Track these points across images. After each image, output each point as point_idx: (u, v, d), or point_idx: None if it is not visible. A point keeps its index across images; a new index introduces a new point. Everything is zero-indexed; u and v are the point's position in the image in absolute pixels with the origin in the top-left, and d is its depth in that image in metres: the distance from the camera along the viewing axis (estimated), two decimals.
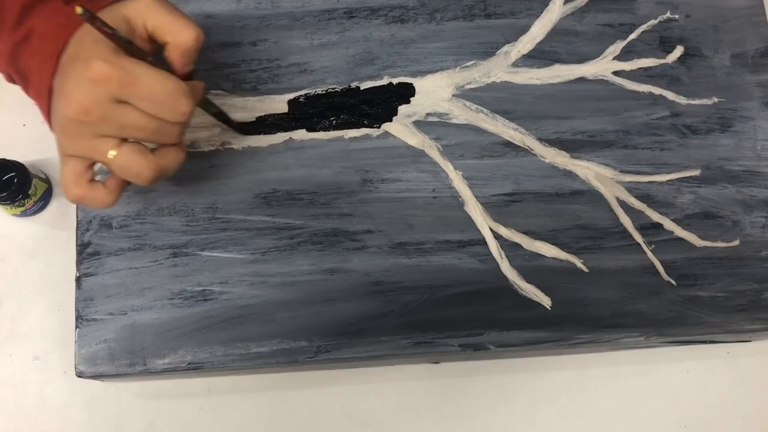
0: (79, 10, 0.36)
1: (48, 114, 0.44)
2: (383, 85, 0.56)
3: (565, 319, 0.53)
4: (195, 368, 0.51)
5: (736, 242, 0.55)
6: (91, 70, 0.38)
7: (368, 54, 0.56)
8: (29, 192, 0.55)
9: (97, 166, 0.44)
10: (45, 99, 0.43)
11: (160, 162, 0.43)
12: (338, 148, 0.55)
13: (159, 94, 0.40)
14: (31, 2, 0.44)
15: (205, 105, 0.49)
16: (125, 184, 0.45)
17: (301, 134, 0.55)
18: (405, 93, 0.56)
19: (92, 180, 0.43)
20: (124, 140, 0.41)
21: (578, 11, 0.58)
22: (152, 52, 0.42)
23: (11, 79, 0.48)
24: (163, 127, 0.41)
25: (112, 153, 0.41)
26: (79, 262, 0.53)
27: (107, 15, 0.41)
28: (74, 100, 0.39)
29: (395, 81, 0.56)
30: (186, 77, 0.43)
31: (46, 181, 0.58)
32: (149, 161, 0.42)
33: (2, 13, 0.44)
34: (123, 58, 0.39)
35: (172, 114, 0.41)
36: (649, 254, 0.54)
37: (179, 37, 0.42)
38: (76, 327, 0.52)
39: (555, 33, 0.57)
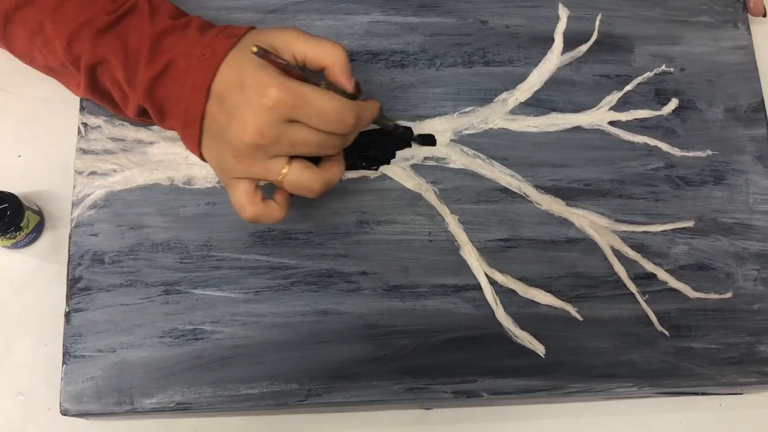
0: (254, 49, 0.41)
1: (196, 142, 0.46)
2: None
3: (558, 368, 0.53)
4: (183, 409, 0.51)
5: (729, 294, 0.55)
6: (266, 96, 0.42)
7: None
8: (21, 224, 0.55)
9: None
10: (195, 129, 0.45)
11: (327, 175, 0.46)
12: (335, 189, 0.55)
13: (328, 111, 0.43)
14: (159, 36, 0.46)
15: (381, 121, 0.52)
16: (290, 198, 0.48)
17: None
18: (404, 137, 0.56)
19: (264, 198, 0.47)
20: (292, 158, 0.45)
21: (575, 61, 0.59)
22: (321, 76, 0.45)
23: (138, 114, 0.49)
24: (328, 140, 0.45)
25: (284, 171, 0.44)
26: (69, 297, 0.52)
27: (249, 45, 0.43)
28: (250, 125, 0.42)
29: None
30: (356, 91, 0.47)
31: (39, 213, 0.58)
32: (318, 175, 0.46)
33: (133, 51, 0.46)
34: (293, 82, 0.43)
35: (338, 127, 0.44)
36: (643, 304, 0.54)
37: (334, 59, 0.45)
38: (63, 363, 0.51)
39: (552, 82, 0.58)
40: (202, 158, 0.47)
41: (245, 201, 0.46)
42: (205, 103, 0.44)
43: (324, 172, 0.46)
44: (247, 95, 0.42)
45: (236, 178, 0.45)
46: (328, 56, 0.45)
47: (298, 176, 0.45)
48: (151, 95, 0.46)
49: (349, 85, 0.46)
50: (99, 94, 0.50)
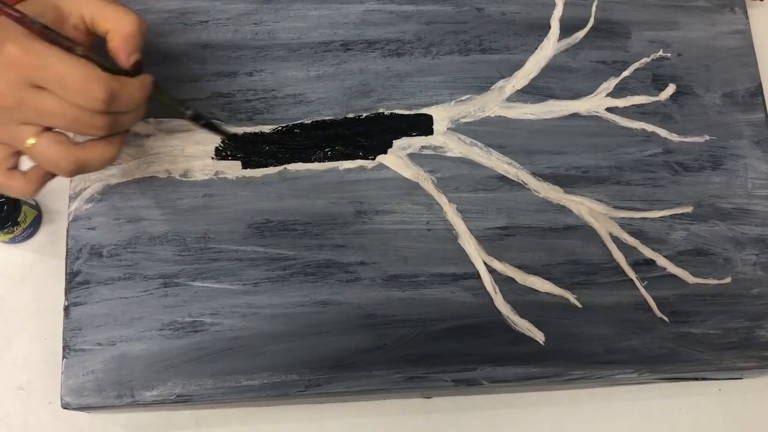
0: None
1: None
2: (379, 117, 0.56)
3: (558, 355, 0.53)
4: (184, 401, 0.51)
5: (728, 279, 0.55)
6: (3, 53, 0.38)
7: (364, 86, 0.57)
8: (18, 219, 0.55)
9: None
10: None
11: (81, 155, 0.42)
12: (332, 179, 0.55)
13: (71, 79, 0.39)
14: None
15: (164, 100, 0.46)
16: (49, 176, 0.44)
17: (295, 165, 0.55)
18: (400, 125, 0.56)
19: (13, 168, 0.43)
20: (48, 130, 0.41)
21: (572, 48, 0.59)
22: (84, 43, 0.41)
23: None
24: (83, 117, 0.40)
25: (30, 141, 0.41)
26: (67, 291, 0.52)
27: (33, 3, 0.40)
28: None
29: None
30: (136, 72, 0.43)
31: (36, 208, 0.57)
32: (68, 152, 0.41)
33: None
34: (36, 42, 0.39)
35: (85, 100, 0.40)
36: (642, 290, 0.54)
37: (119, 24, 0.42)
38: (63, 357, 0.51)
39: (549, 69, 0.58)
40: None
41: None
42: None
43: (80, 150, 0.42)
44: None
45: None
46: (114, 21, 0.41)
47: (44, 149, 0.41)
48: None
49: (125, 59, 0.42)
50: None
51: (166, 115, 0.54)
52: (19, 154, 0.43)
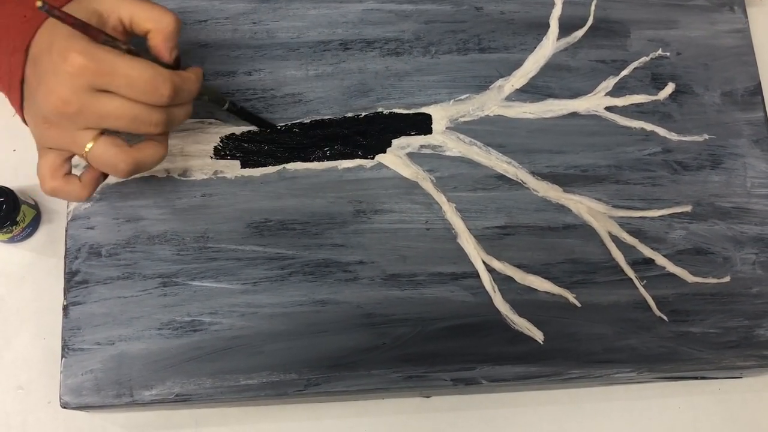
0: (38, 3, 0.37)
1: (20, 106, 0.44)
2: (378, 117, 0.56)
3: (557, 354, 0.53)
4: (183, 400, 0.51)
5: (727, 278, 0.55)
6: (68, 63, 0.39)
7: (363, 86, 0.57)
8: (17, 218, 0.55)
9: (75, 160, 0.44)
10: (17, 91, 0.44)
11: (137, 155, 0.43)
12: (331, 179, 0.55)
13: (138, 79, 0.40)
14: None
15: (207, 91, 0.48)
16: (101, 179, 0.45)
17: (294, 164, 0.55)
18: (399, 125, 0.56)
19: (68, 173, 0.44)
20: (104, 133, 0.42)
21: (571, 47, 0.59)
22: (129, 41, 0.42)
23: None
24: (142, 115, 0.41)
25: (89, 145, 0.42)
26: (66, 290, 0.52)
27: (76, 8, 0.41)
28: (53, 92, 0.40)
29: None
30: (176, 65, 0.44)
31: (35, 207, 0.57)
32: (126, 154, 0.42)
33: None
34: (98, 48, 0.40)
35: (152, 97, 0.41)
36: (641, 289, 0.54)
37: (160, 23, 0.43)
38: (62, 356, 0.51)
39: (548, 68, 0.58)
40: (26, 124, 0.45)
41: (46, 173, 0.43)
42: (24, 66, 0.42)
43: (136, 151, 0.43)
44: (52, 60, 0.40)
45: (47, 147, 0.43)
46: (154, 21, 0.43)
47: (103, 152, 0.42)
48: None
49: (167, 55, 0.43)
50: None
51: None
52: (71, 158, 0.44)
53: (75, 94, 0.40)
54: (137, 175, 0.53)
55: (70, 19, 0.39)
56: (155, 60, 0.42)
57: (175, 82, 0.42)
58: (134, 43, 0.42)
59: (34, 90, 0.41)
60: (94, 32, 0.40)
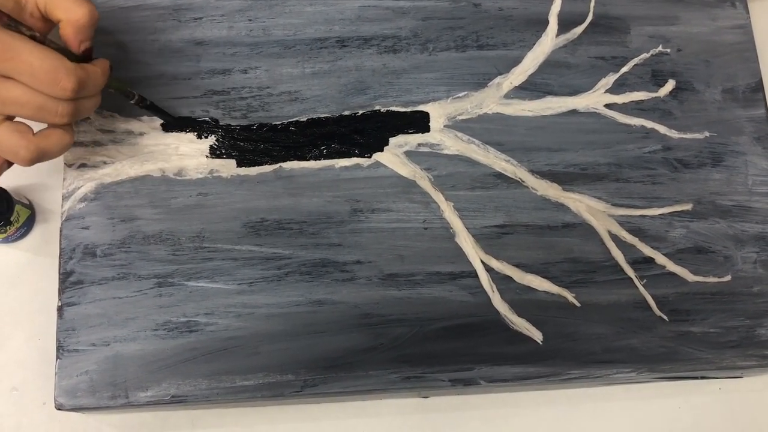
0: None
1: None
2: (375, 115, 0.55)
3: (556, 354, 0.52)
4: (178, 401, 0.50)
5: (728, 277, 0.54)
6: None
7: (360, 83, 0.56)
8: (11, 218, 0.54)
9: None
10: None
11: (41, 143, 0.42)
12: (328, 177, 0.54)
13: (39, 68, 0.39)
14: None
15: (116, 85, 0.48)
16: (5, 165, 0.44)
17: (291, 163, 0.54)
18: (396, 123, 0.55)
19: None
20: (9, 119, 0.41)
21: (570, 44, 0.58)
22: (42, 30, 0.42)
23: None
24: (48, 105, 0.41)
25: None
26: (61, 291, 0.52)
27: None
28: None
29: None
30: (86, 57, 0.44)
31: (30, 207, 0.57)
32: (27, 141, 0.42)
33: None
34: (3, 33, 0.39)
35: (53, 89, 0.40)
36: (641, 289, 0.53)
37: (72, 13, 0.42)
38: (57, 358, 0.50)
39: (547, 65, 0.57)
40: None
41: None
42: None
43: (39, 139, 0.42)
44: None
45: None
46: (66, 11, 0.42)
47: (5, 139, 0.41)
48: None
49: (76, 47, 0.43)
50: None
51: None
52: None
53: None
54: (131, 175, 0.54)
55: None
56: (66, 50, 0.42)
57: (78, 75, 0.41)
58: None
59: None
60: (1, 16, 0.39)
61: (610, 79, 0.57)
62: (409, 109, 0.56)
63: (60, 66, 0.40)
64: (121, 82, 0.49)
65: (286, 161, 0.54)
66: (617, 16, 0.59)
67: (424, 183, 0.54)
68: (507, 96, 0.57)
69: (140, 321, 0.51)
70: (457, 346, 0.52)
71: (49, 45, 0.41)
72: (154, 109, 0.52)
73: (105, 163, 0.54)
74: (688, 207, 0.55)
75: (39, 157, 0.43)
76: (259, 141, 0.54)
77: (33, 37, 0.40)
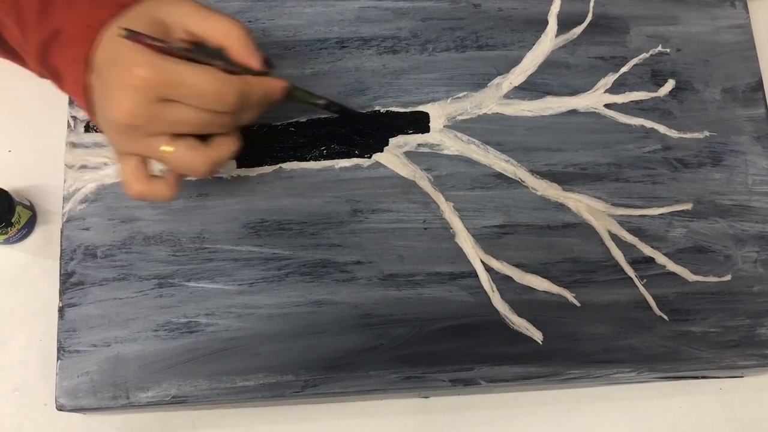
0: (121, 32, 0.38)
1: (90, 113, 0.44)
2: (375, 115, 0.55)
3: (556, 354, 0.52)
4: (179, 402, 0.50)
5: (728, 277, 0.54)
6: (133, 76, 0.39)
7: (360, 84, 0.56)
8: (12, 220, 0.54)
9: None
10: (82, 98, 0.43)
11: (213, 154, 0.44)
12: (328, 178, 0.55)
13: (204, 89, 0.40)
14: None
15: (301, 94, 0.48)
16: (182, 178, 0.45)
17: (291, 163, 0.55)
18: (396, 123, 0.55)
19: (152, 175, 0.44)
20: (177, 135, 0.42)
21: (570, 44, 0.58)
22: (192, 47, 0.43)
23: (43, 75, 0.47)
24: (213, 120, 0.42)
25: (166, 149, 0.42)
26: (62, 292, 0.52)
27: (136, 17, 0.41)
28: (121, 106, 0.40)
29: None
30: (266, 67, 0.44)
31: (31, 208, 0.57)
32: (202, 155, 0.43)
33: (24, 11, 0.44)
34: (162, 59, 0.40)
35: (218, 105, 0.41)
36: (641, 288, 0.53)
37: (230, 36, 0.43)
38: (58, 358, 0.51)
39: (547, 65, 0.57)
40: (99, 128, 0.45)
41: (131, 177, 0.43)
42: (85, 75, 0.42)
43: (211, 151, 0.43)
44: (117, 74, 0.40)
45: (124, 153, 0.43)
46: (224, 35, 0.43)
47: (180, 156, 0.42)
48: (44, 60, 0.44)
49: (254, 62, 0.43)
50: (11, 55, 0.48)
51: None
52: (150, 160, 0.44)
53: (142, 107, 0.40)
54: None
55: (155, 45, 0.40)
56: (226, 60, 0.43)
57: (241, 89, 0.42)
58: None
59: (102, 101, 0.42)
60: (170, 49, 0.40)
61: (609, 79, 0.57)
62: (408, 110, 0.56)
63: (221, 82, 0.41)
64: (306, 93, 0.49)
65: (286, 162, 0.54)
66: (616, 16, 0.59)
67: (424, 183, 0.55)
68: (507, 96, 0.57)
69: (141, 322, 0.51)
70: (457, 346, 0.52)
71: (202, 60, 0.41)
72: (343, 111, 0.52)
73: (105, 164, 0.54)
74: (688, 207, 0.55)
75: (214, 167, 0.44)
76: (259, 142, 0.55)
77: (187, 57, 0.41)
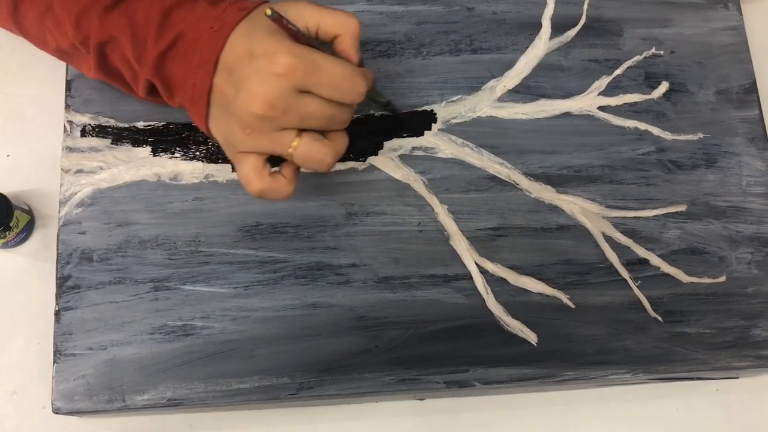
0: (268, 12, 0.39)
1: (203, 117, 0.45)
2: (369, 119, 0.56)
3: (551, 356, 0.52)
4: (175, 405, 0.50)
5: (722, 278, 0.54)
6: (276, 64, 0.40)
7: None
8: (11, 224, 0.55)
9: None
10: (202, 103, 0.44)
11: (337, 147, 0.45)
12: (323, 181, 0.55)
13: (339, 78, 0.42)
14: (167, 10, 0.45)
15: (373, 93, 0.50)
16: (298, 173, 0.47)
17: None
18: (391, 127, 0.56)
19: (273, 172, 0.45)
20: (302, 131, 0.43)
21: (564, 47, 0.58)
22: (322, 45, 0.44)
23: (148, 93, 0.48)
24: (336, 114, 0.43)
25: (294, 143, 0.43)
26: (58, 296, 0.52)
27: (259, 18, 0.43)
28: (259, 95, 0.41)
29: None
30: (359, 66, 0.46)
31: (29, 212, 0.57)
32: (329, 147, 0.44)
33: (141, 27, 0.45)
34: (304, 49, 0.41)
35: (350, 96, 0.43)
36: (636, 290, 0.54)
37: (348, 28, 0.44)
38: (54, 362, 0.51)
39: (541, 68, 0.58)
40: (210, 134, 0.46)
41: (252, 175, 0.45)
42: (213, 76, 0.43)
43: (335, 143, 0.45)
44: (256, 65, 0.41)
45: (243, 152, 0.44)
46: (342, 25, 0.44)
47: (309, 149, 0.44)
48: (159, 71, 0.45)
49: (356, 57, 0.45)
50: (110, 74, 0.50)
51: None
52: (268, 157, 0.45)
53: (281, 96, 0.41)
54: (128, 180, 0.54)
55: (291, 29, 0.41)
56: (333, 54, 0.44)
57: (367, 77, 0.44)
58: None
59: (231, 98, 0.42)
60: (301, 36, 0.41)
61: (603, 82, 0.57)
62: (404, 112, 0.56)
63: (354, 72, 0.42)
64: (377, 92, 0.51)
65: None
66: (610, 18, 0.59)
67: (419, 186, 0.55)
68: (501, 99, 0.57)
69: (137, 325, 0.52)
70: (451, 349, 0.52)
71: (321, 50, 0.43)
72: (394, 112, 0.54)
73: (101, 168, 0.54)
74: (682, 208, 0.55)
75: (337, 160, 0.46)
76: None
77: (313, 46, 0.42)
